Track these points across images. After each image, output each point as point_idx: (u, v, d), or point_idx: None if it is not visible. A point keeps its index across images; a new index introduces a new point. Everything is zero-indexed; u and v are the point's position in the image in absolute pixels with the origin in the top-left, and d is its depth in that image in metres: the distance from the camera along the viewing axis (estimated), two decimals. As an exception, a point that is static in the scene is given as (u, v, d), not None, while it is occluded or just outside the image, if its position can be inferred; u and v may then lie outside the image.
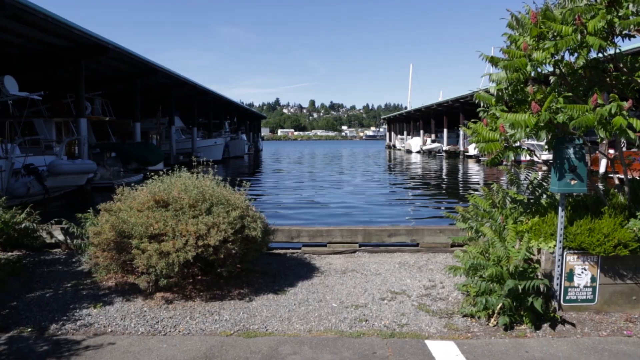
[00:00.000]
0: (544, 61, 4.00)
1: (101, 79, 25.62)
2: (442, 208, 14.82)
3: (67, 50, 18.79)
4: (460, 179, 25.49)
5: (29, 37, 17.03)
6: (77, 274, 5.77)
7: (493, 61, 4.33)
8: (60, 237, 7.00)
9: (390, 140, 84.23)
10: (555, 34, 4.01)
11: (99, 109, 24.33)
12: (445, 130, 49.46)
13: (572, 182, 4.16)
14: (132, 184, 5.53)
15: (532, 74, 4.16)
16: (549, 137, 4.13)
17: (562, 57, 4.26)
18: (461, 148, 43.97)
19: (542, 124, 4.00)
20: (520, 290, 3.97)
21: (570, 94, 4.17)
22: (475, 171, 29.56)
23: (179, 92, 33.09)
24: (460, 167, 33.58)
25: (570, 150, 4.15)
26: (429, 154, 50.74)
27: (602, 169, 17.88)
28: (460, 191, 19.62)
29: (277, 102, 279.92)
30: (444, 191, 20.23)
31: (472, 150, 39.64)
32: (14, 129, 17.51)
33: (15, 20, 14.46)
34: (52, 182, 15.25)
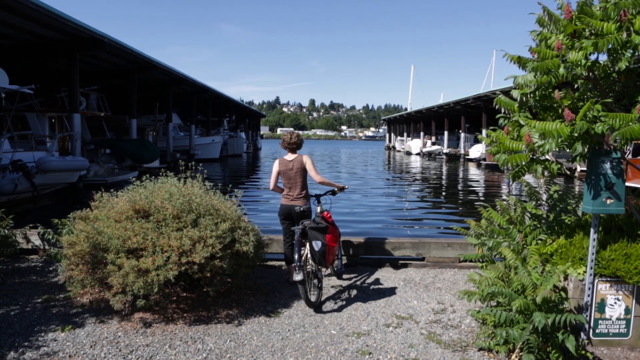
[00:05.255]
0: (580, 63, 3.49)
1: (97, 73, 25.07)
2: (444, 213, 14.32)
3: (61, 43, 18.24)
4: (464, 184, 24.97)
5: (22, 29, 16.49)
6: (51, 287, 5.24)
7: (520, 62, 3.81)
8: (38, 242, 6.48)
9: (390, 141, 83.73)
10: (593, 31, 3.50)
11: (94, 104, 23.76)
12: (446, 133, 48.93)
13: (608, 202, 3.65)
14: (112, 190, 5.00)
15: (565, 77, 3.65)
16: (585, 149, 3.61)
17: (597, 58, 3.76)
18: (462, 151, 43.46)
19: (578, 135, 3.50)
20: (549, 326, 3.45)
21: (609, 99, 3.65)
22: (476, 175, 29.05)
23: (177, 88, 32.50)
24: (461, 170, 33.08)
25: (607, 165, 3.64)
26: (429, 156, 50.22)
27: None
28: (460, 194, 19.13)
29: (277, 100, 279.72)
30: (448, 197, 19.71)
31: (473, 153, 39.19)
32: (5, 123, 16.95)
33: (6, 11, 13.92)
34: (41, 179, 14.67)
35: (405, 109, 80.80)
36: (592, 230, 3.77)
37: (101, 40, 18.12)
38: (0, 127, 17.58)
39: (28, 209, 14.28)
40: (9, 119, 16.62)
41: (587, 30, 3.56)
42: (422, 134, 57.51)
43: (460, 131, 45.07)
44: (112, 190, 5.02)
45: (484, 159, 35.42)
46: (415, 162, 42.51)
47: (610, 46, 3.41)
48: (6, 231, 5.94)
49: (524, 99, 4.05)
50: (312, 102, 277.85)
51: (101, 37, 17.96)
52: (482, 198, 18.18)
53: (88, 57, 20.89)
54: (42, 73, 23.46)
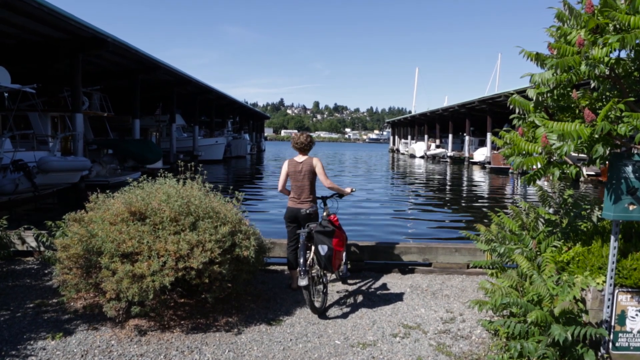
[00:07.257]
0: (603, 60, 3.28)
1: (100, 73, 24.94)
2: (450, 215, 14.09)
3: (64, 42, 18.10)
4: (469, 188, 24.71)
5: (24, 28, 16.37)
6: (45, 291, 5.05)
7: (539, 59, 3.60)
8: (34, 244, 6.30)
9: (393, 144, 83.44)
10: (618, 26, 3.29)
11: (97, 104, 23.64)
12: (450, 136, 48.64)
13: (631, 208, 3.43)
14: (107, 191, 4.81)
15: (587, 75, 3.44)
16: (607, 151, 3.40)
17: (619, 55, 3.55)
18: (466, 154, 43.18)
19: (598, 136, 3.28)
20: (569, 339, 3.24)
21: (632, 98, 3.44)
22: (481, 178, 28.78)
23: (181, 89, 32.37)
24: (466, 173, 32.80)
25: (629, 169, 3.42)
26: (433, 159, 49.94)
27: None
28: (466, 197, 18.89)
29: (281, 102, 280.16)
30: (453, 201, 19.46)
31: (478, 156, 38.89)
32: (7, 122, 16.83)
33: (8, 10, 13.80)
34: (42, 179, 14.53)
35: (410, 112, 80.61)
36: (612, 237, 3.55)
37: (104, 40, 17.99)
38: (2, 126, 17.47)
39: (28, 209, 14.15)
40: (11, 118, 16.51)
41: (610, 25, 3.36)
42: (426, 137, 57.20)
43: (465, 134, 44.78)
44: (108, 191, 4.83)
45: (489, 162, 35.15)
46: (420, 165, 42.24)
47: (637, 41, 3.19)
48: (0, 232, 5.76)
49: (540, 98, 3.85)
50: (316, 104, 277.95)
51: (105, 36, 17.83)
52: (488, 201, 17.93)
53: (91, 56, 20.74)
54: (45, 73, 23.35)
